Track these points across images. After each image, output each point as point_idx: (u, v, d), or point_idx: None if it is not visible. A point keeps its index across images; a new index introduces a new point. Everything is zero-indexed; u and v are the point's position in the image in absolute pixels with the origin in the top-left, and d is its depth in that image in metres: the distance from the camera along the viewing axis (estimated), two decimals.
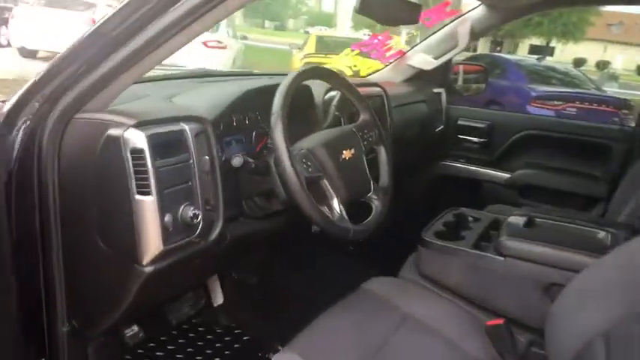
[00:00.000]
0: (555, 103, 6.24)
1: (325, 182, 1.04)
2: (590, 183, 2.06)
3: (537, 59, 8.42)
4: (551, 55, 30.62)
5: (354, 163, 1.12)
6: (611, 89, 12.81)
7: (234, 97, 1.14)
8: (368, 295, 1.17)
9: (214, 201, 0.96)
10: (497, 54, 9.23)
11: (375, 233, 1.12)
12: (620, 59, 29.52)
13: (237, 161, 1.06)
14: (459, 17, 1.96)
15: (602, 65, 25.73)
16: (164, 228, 0.85)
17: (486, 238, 1.37)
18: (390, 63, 2.14)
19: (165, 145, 0.87)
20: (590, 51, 29.12)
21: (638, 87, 15.26)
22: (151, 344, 1.46)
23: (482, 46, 32.02)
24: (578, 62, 28.56)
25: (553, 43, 29.43)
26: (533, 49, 31.40)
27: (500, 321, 0.98)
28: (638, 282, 0.70)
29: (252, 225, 1.18)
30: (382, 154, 1.23)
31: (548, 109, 6.22)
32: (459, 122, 2.26)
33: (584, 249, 1.16)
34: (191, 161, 0.91)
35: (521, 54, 31.24)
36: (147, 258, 0.87)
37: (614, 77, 13.87)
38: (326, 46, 7.89)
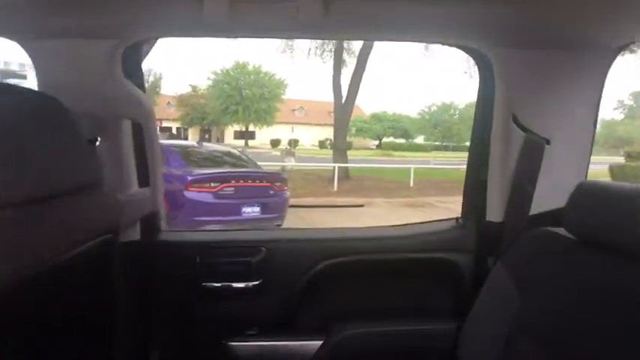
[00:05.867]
0: (212, 185, 6.23)
1: None
2: None
3: (197, 143, 8.62)
4: (253, 138, 34.27)
5: None
6: (289, 163, 14.62)
7: None
8: None
9: None
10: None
11: None
12: (307, 137, 35.17)
13: None
14: None
15: (293, 143, 29.90)
16: None
17: None
18: None
19: None
20: (283, 132, 33.64)
21: (312, 159, 18.07)
22: None
23: (193, 133, 33.44)
24: (275, 142, 32.73)
25: (252, 128, 32.86)
26: (238, 134, 34.52)
27: None
28: None
29: None
30: None
31: (205, 191, 6.14)
32: None
33: None
34: None
35: (228, 139, 33.96)
36: None
37: (291, 153, 15.98)
38: None
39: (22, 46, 1.22)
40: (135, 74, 1.37)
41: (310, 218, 8.57)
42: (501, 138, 1.41)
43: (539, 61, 1.34)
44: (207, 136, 34.01)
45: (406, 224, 1.72)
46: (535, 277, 1.14)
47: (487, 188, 1.48)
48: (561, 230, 1.14)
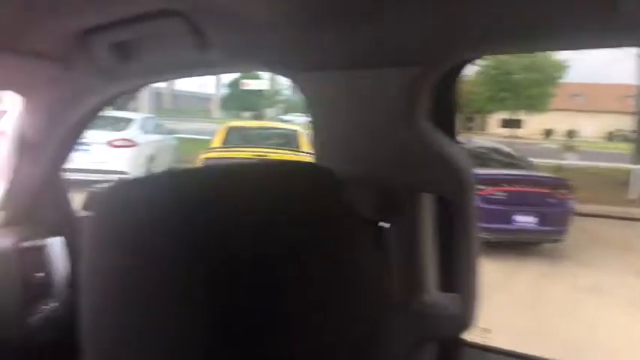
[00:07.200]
0: (480, 187, 5.57)
1: None
2: None
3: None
4: (520, 127, 31.25)
5: None
6: (571, 160, 12.40)
7: None
8: None
9: None
10: None
11: None
12: (588, 127, 30.10)
13: None
14: None
15: (570, 134, 26.12)
16: None
17: None
18: None
19: None
20: (556, 120, 29.78)
21: (598, 155, 14.93)
22: None
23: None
24: (547, 133, 29.11)
25: (519, 116, 30.01)
26: (505, 123, 32.07)
27: None
28: None
29: None
30: None
31: None
32: None
33: None
34: None
35: (492, 128, 31.95)
36: None
37: (572, 148, 13.58)
38: (242, 137, 7.28)
39: (292, 79, 0.85)
40: (445, 118, 0.84)
41: (596, 232, 6.97)
42: None
43: None
44: (470, 124, 32.85)
45: None
46: None
47: None
48: None
